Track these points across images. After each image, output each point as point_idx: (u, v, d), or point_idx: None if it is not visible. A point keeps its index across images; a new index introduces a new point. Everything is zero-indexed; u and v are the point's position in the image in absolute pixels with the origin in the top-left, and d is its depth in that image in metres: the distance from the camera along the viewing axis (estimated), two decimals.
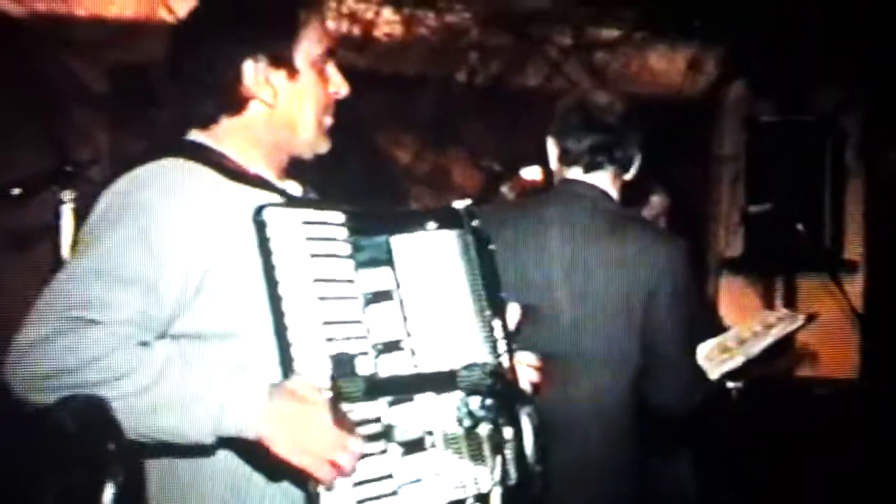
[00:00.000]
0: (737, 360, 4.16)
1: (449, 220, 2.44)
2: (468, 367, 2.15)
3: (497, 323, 2.43)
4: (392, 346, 2.27)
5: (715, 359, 4.15)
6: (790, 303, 6.60)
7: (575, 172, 3.53)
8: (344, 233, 2.27)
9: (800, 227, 5.78)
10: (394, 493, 2.19)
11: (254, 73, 2.34)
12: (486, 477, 2.26)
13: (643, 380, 3.43)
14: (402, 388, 2.24)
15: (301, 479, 2.14)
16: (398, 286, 2.31)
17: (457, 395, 2.25)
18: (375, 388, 2.18)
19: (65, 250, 4.02)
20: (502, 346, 2.42)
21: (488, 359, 2.37)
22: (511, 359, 2.44)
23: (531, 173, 4.68)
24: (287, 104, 2.38)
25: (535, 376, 2.54)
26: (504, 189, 4.81)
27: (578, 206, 3.49)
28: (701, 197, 7.22)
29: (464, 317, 2.39)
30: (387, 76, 6.37)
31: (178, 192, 2.23)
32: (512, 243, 3.37)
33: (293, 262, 2.18)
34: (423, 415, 2.25)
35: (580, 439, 3.27)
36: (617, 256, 3.40)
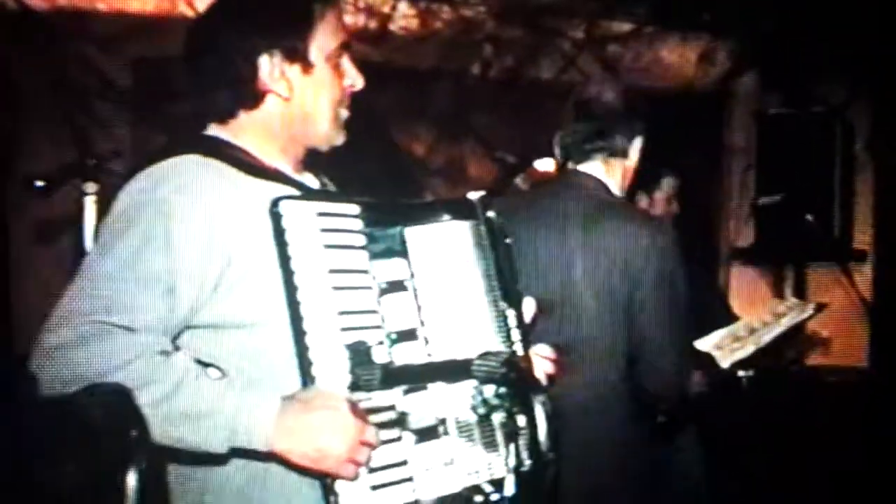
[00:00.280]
0: (748, 349, 4.19)
1: (463, 211, 2.45)
2: (482, 356, 2.13)
3: (511, 312, 2.44)
4: (406, 335, 2.29)
5: (726, 347, 4.18)
6: (800, 292, 6.56)
7: (573, 164, 3.59)
8: (359, 224, 2.29)
9: (809, 217, 5.81)
10: (408, 479, 2.21)
11: (269, 67, 2.35)
12: (500, 464, 2.28)
13: (633, 365, 3.45)
14: (418, 377, 2.27)
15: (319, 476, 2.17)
16: (412, 276, 2.32)
17: (471, 384, 2.26)
18: (392, 376, 2.20)
19: (88, 242, 4.00)
20: (516, 334, 2.43)
21: (502, 347, 2.38)
22: (525, 348, 2.45)
23: (545, 165, 4.70)
24: (302, 98, 2.38)
25: (550, 368, 2.56)
26: (518, 181, 4.82)
27: (568, 195, 3.54)
28: (712, 188, 7.21)
29: (477, 306, 2.41)
30: (403, 69, 6.38)
31: (196, 189, 2.24)
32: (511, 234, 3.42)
33: (309, 252, 2.20)
34: (437, 403, 2.27)
35: (578, 426, 3.22)
36: (602, 243, 3.42)
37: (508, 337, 2.43)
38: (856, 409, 6.23)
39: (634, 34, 6.80)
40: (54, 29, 6.00)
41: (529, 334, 2.49)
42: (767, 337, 4.27)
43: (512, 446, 2.23)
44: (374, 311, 2.26)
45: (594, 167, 3.57)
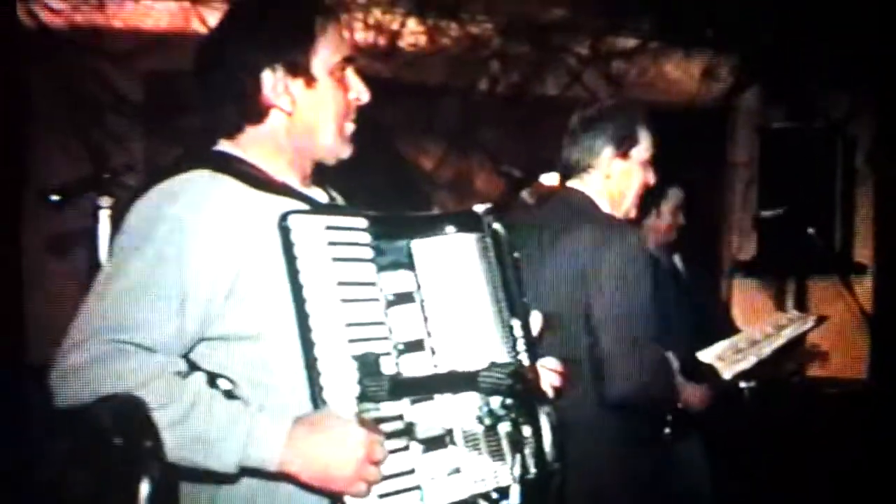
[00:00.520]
0: (749, 361, 4.21)
1: (469, 223, 2.46)
2: (489, 368, 2.12)
3: (517, 323, 2.45)
4: (413, 346, 2.30)
5: (728, 359, 4.20)
6: (801, 305, 6.61)
7: (566, 180, 3.72)
8: (366, 237, 2.30)
9: (811, 230, 5.83)
10: (416, 487, 2.23)
11: (272, 81, 2.36)
12: (506, 473, 2.30)
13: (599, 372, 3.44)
14: (425, 388, 2.28)
15: None
16: (419, 288, 2.34)
17: (477, 394, 2.27)
18: (399, 387, 2.20)
19: (102, 255, 4.01)
20: (522, 346, 2.44)
21: (507, 358, 2.39)
22: (532, 359, 2.46)
23: (551, 179, 4.74)
24: (306, 112, 2.39)
25: (556, 380, 2.58)
26: (524, 195, 4.85)
27: (549, 209, 3.70)
28: (715, 202, 7.23)
29: (483, 317, 2.42)
30: (411, 85, 6.43)
31: (206, 205, 2.25)
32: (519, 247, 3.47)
33: (317, 265, 2.21)
34: (444, 413, 2.29)
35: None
36: (569, 253, 3.48)
37: (514, 348, 2.44)
38: (856, 421, 6.22)
39: (639, 50, 6.83)
40: (70, 45, 6.04)
41: (536, 346, 2.50)
42: (769, 349, 4.29)
43: (518, 456, 2.27)
44: (381, 323, 2.27)
45: (576, 182, 3.69)
